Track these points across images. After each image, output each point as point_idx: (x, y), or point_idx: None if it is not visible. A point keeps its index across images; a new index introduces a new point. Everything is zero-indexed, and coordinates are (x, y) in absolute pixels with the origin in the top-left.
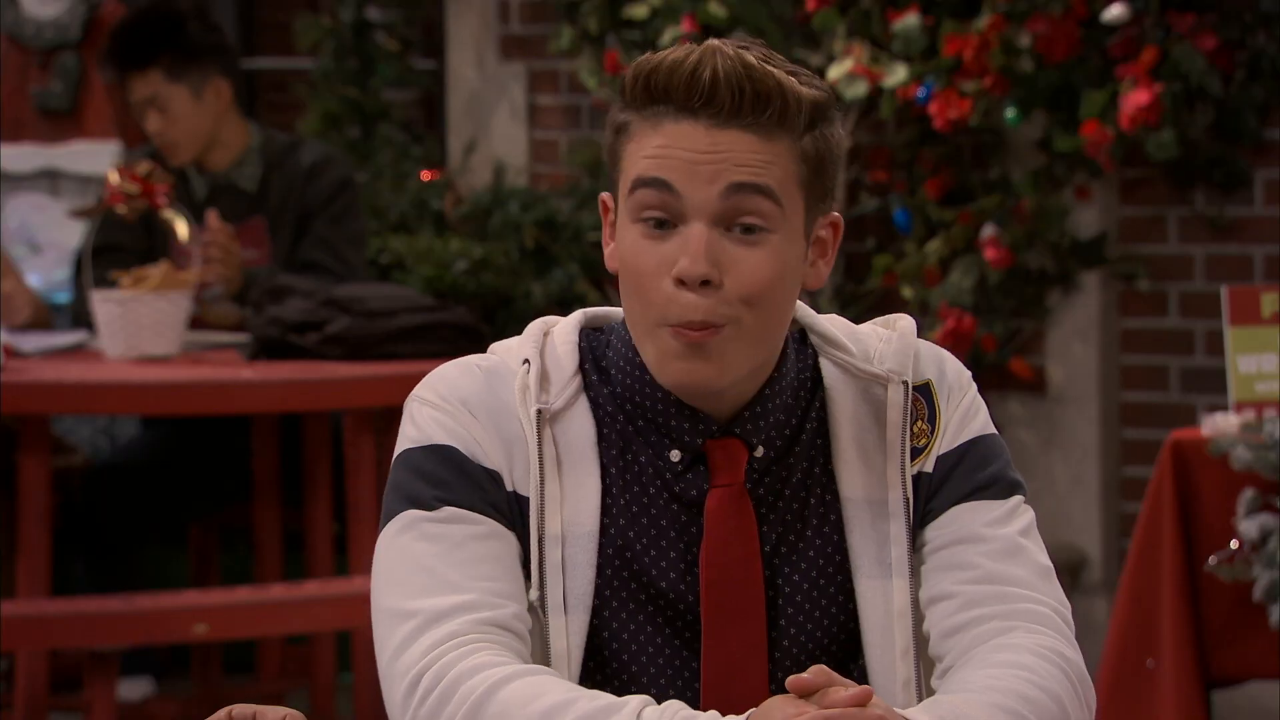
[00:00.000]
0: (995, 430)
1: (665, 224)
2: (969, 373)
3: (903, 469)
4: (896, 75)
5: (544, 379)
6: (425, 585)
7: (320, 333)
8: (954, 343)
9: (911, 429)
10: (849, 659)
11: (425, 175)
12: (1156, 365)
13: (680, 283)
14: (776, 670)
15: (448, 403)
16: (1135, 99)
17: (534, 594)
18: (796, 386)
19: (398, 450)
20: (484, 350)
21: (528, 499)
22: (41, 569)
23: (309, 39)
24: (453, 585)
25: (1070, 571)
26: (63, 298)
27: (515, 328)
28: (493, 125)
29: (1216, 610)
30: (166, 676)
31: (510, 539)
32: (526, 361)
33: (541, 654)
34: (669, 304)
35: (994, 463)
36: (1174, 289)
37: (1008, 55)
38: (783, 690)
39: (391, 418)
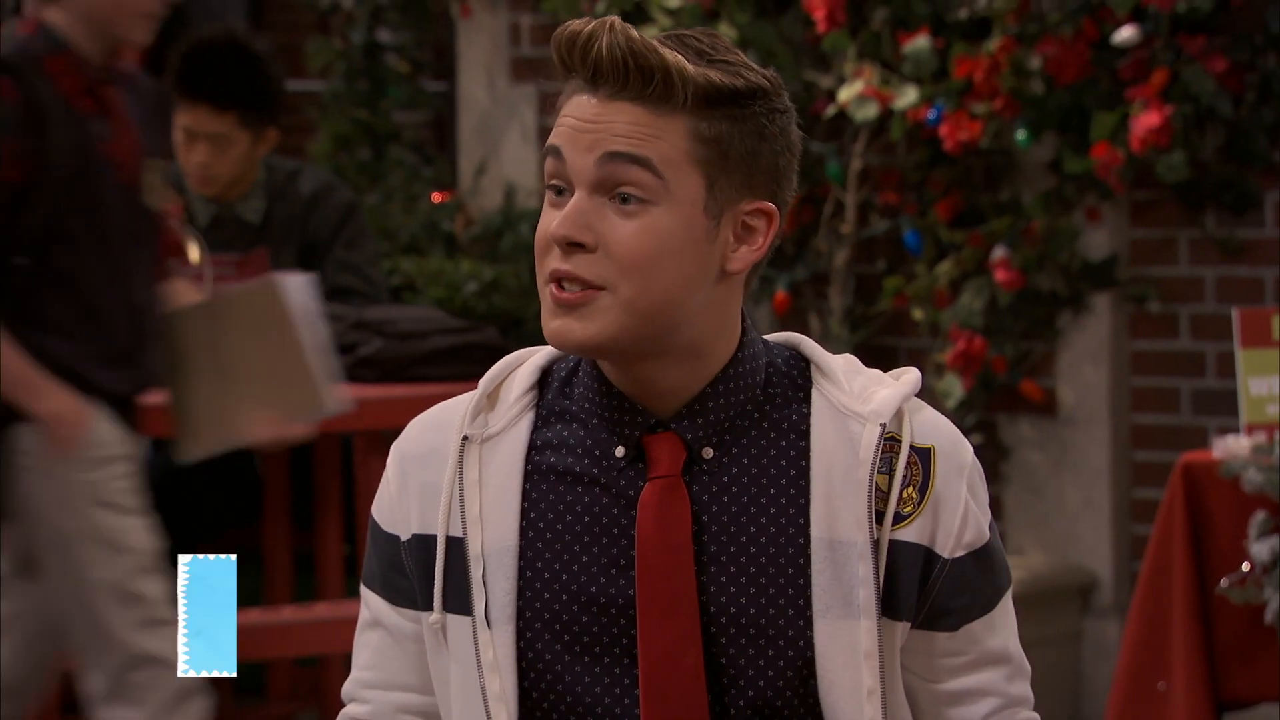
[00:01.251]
0: (991, 516)
1: (564, 191)
2: (971, 450)
3: (869, 510)
4: (907, 97)
5: (492, 402)
6: (353, 659)
7: (352, 355)
8: (964, 364)
9: (902, 493)
10: (798, 675)
11: (436, 197)
12: (1167, 387)
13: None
14: (720, 674)
15: (391, 455)
16: (1146, 121)
17: (434, 617)
18: (764, 399)
19: None
20: None
21: (434, 536)
22: None
23: (320, 61)
24: (353, 664)
25: (1081, 594)
26: None
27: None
28: (503, 147)
29: (1228, 633)
30: None
31: (393, 622)
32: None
33: (476, 667)
34: (550, 263)
35: (995, 566)
36: (1185, 311)
37: (1018, 77)
38: (716, 686)
39: None
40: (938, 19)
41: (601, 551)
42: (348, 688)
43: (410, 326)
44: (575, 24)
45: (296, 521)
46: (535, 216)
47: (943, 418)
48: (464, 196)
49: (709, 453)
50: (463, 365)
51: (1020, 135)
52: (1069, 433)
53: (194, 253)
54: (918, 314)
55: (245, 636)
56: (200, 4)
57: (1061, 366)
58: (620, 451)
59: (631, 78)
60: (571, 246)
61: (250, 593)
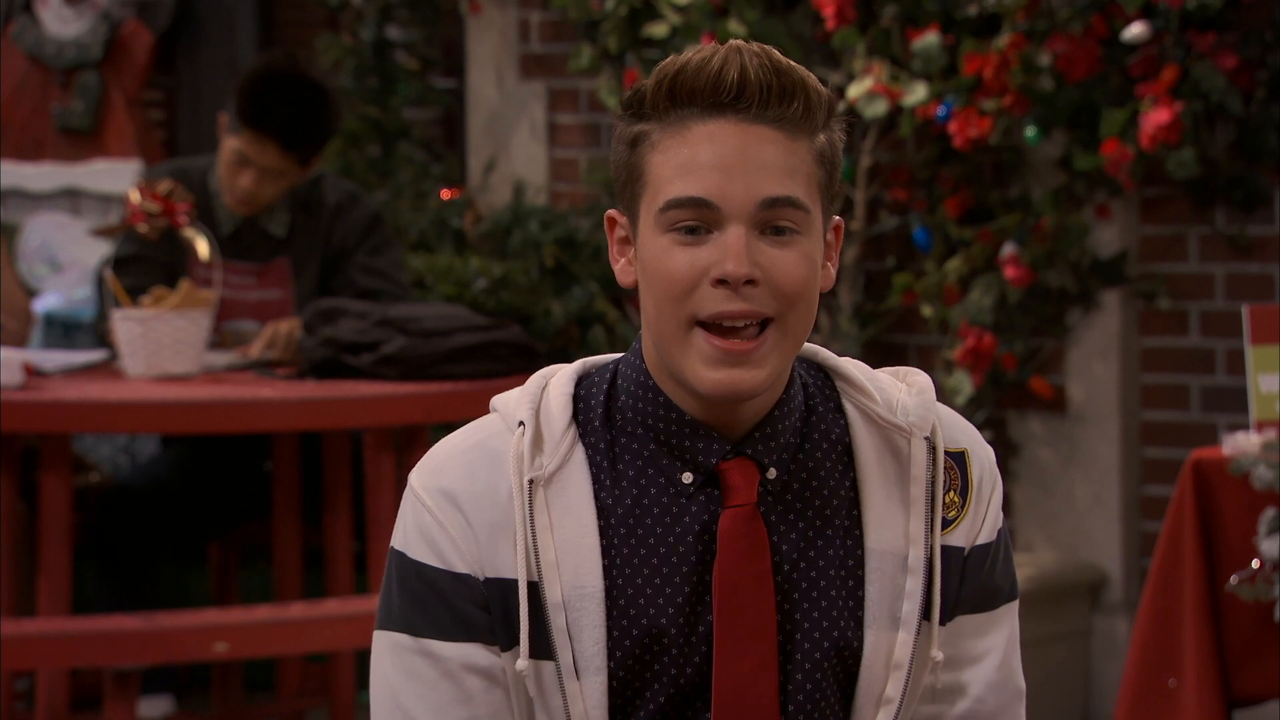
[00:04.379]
0: (1003, 522)
1: (698, 229)
2: (991, 449)
3: (926, 527)
4: (916, 94)
5: (538, 440)
6: None
7: (375, 353)
8: (974, 361)
9: (944, 498)
10: (851, 685)
11: (445, 194)
12: (1177, 384)
13: (721, 283)
14: (788, 701)
15: (431, 497)
16: (1155, 118)
17: (522, 664)
18: (806, 412)
19: (393, 542)
20: (536, 369)
21: (513, 580)
22: (62, 588)
23: (329, 58)
24: None
25: (1091, 591)
26: (87, 315)
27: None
28: (512, 144)
29: (1238, 629)
30: (187, 695)
31: (481, 663)
32: (522, 424)
33: (565, 718)
34: (705, 301)
35: (995, 567)
36: (1194, 308)
37: (1028, 74)
38: (788, 710)
39: (412, 436)
40: (947, 15)
41: (684, 581)
42: None
43: (434, 324)
44: (694, 55)
45: (306, 518)
46: (544, 214)
47: (959, 415)
48: (473, 193)
49: (773, 473)
50: (486, 363)
51: (1030, 132)
52: (1079, 429)
53: (203, 249)
54: (927, 311)
55: (254, 633)
56: (210, 2)
57: (1071, 363)
58: (688, 478)
59: (774, 98)
60: (746, 284)
61: (260, 589)
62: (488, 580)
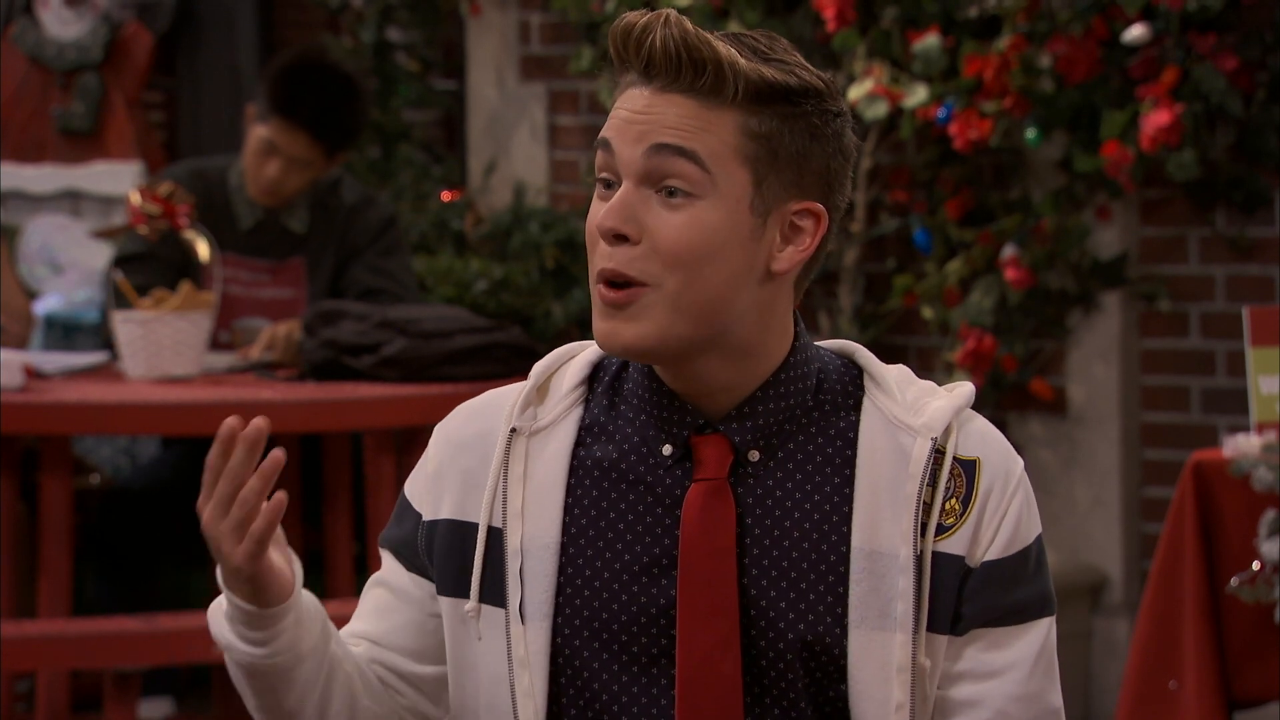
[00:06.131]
0: (1040, 529)
1: (612, 184)
2: (1021, 464)
3: (915, 524)
4: (917, 96)
5: (541, 395)
6: (356, 609)
7: (375, 355)
8: (974, 363)
9: (945, 504)
10: (830, 683)
11: (445, 195)
12: (1177, 386)
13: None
14: (755, 685)
15: (434, 437)
16: (1156, 119)
17: (470, 606)
18: (814, 405)
19: None
20: None
21: (473, 524)
22: (62, 589)
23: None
24: (354, 614)
25: (1091, 592)
26: (87, 317)
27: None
28: (513, 145)
29: (1238, 631)
30: (187, 697)
31: (400, 583)
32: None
33: (507, 660)
34: (597, 260)
35: (1016, 581)
36: (1195, 309)
37: (1028, 76)
38: (754, 693)
39: (412, 437)
40: (947, 17)
41: (644, 550)
42: (340, 632)
43: (434, 326)
44: (631, 16)
45: (306, 520)
46: (544, 215)
47: (994, 430)
48: (473, 195)
49: (755, 455)
50: (486, 365)
51: (1030, 134)
52: (1079, 431)
53: (204, 251)
54: (927, 312)
55: None
56: (211, 2)
57: (1071, 365)
58: (668, 450)
59: (684, 70)
60: (617, 239)
61: None
62: (448, 522)
